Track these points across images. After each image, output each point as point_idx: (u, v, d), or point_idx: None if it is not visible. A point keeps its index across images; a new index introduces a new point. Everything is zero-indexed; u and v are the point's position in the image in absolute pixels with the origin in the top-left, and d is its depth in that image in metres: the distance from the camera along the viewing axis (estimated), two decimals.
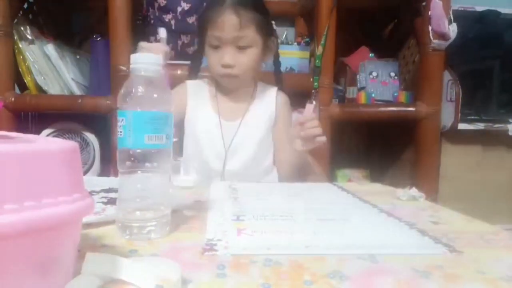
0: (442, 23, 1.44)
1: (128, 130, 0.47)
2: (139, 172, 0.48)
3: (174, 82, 1.08)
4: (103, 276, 0.32)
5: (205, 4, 1.06)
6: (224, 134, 1.02)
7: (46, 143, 0.32)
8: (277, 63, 1.12)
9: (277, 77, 1.14)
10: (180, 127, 1.04)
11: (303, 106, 1.47)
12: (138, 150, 0.47)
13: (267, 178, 1.06)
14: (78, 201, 0.30)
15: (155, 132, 0.47)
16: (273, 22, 1.04)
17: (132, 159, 0.47)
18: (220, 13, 0.93)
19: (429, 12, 1.47)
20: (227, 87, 1.04)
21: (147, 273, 0.32)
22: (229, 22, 0.92)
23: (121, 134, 0.48)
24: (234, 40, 0.94)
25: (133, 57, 0.49)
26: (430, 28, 1.47)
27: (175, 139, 0.61)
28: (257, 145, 1.03)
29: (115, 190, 0.66)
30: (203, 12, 1.02)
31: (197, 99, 1.06)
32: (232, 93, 1.06)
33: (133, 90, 0.48)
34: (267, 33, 1.00)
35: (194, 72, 1.13)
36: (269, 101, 1.08)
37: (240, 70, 0.97)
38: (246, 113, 1.04)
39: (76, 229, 0.32)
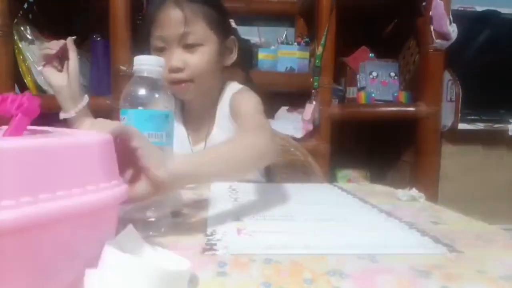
0: (444, 23, 1.44)
1: None
2: None
3: None
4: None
5: (151, 3, 0.91)
6: (193, 148, 0.90)
7: (86, 136, 0.34)
8: (243, 59, 0.96)
9: (246, 73, 0.99)
10: None
11: (303, 106, 1.47)
12: None
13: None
14: (116, 187, 0.33)
15: (155, 130, 0.48)
16: (232, 21, 0.92)
17: None
18: (162, 10, 0.81)
19: (430, 12, 1.47)
20: (183, 100, 0.90)
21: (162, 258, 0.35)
22: (173, 18, 0.79)
23: None
24: (180, 38, 0.80)
25: (136, 59, 0.50)
26: (432, 28, 1.47)
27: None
28: None
29: None
30: (146, 14, 0.88)
31: None
32: (197, 107, 0.91)
33: (135, 90, 0.49)
34: (224, 32, 0.86)
35: None
36: (227, 106, 0.90)
37: (192, 73, 0.82)
38: (208, 136, 0.89)
39: (114, 213, 0.34)
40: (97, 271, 0.30)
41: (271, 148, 0.65)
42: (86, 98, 0.87)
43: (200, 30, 0.81)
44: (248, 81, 0.97)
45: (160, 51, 0.83)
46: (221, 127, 0.89)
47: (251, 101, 0.85)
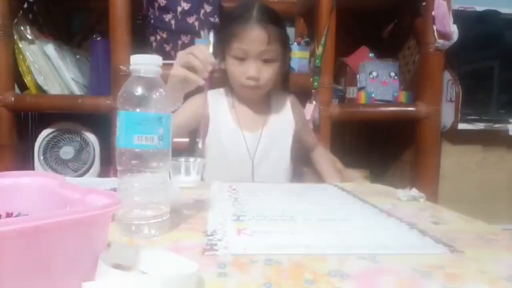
0: (446, 23, 1.43)
1: (120, 130, 0.48)
2: (135, 171, 0.48)
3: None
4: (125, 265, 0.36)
5: (231, 18, 1.05)
6: (248, 145, 1.04)
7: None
8: (289, 72, 1.17)
9: (285, 78, 1.17)
10: (200, 132, 1.07)
11: (303, 106, 1.47)
12: (129, 150, 0.48)
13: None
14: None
15: (145, 133, 0.47)
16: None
17: (124, 158, 0.48)
18: (248, 28, 0.95)
19: (433, 12, 1.47)
20: (248, 98, 1.06)
21: (166, 264, 0.35)
22: (258, 37, 0.95)
23: (117, 134, 0.49)
24: (260, 54, 0.96)
25: (133, 58, 0.49)
26: (434, 28, 1.46)
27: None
28: (280, 153, 1.06)
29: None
30: (229, 26, 1.01)
31: (218, 110, 1.06)
32: (250, 104, 1.07)
33: (128, 90, 0.48)
34: (288, 48, 1.05)
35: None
36: (285, 108, 1.11)
37: (264, 83, 1.00)
38: (265, 124, 1.07)
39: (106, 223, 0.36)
40: (93, 284, 0.31)
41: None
42: None
43: (277, 49, 0.98)
44: (287, 89, 1.17)
45: (240, 60, 0.99)
46: (276, 117, 1.08)
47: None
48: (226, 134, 1.04)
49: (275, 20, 0.98)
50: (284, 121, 1.09)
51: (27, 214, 0.43)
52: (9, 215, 0.43)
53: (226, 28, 1.03)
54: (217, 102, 1.07)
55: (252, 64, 0.97)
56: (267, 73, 0.99)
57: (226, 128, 1.04)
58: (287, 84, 1.18)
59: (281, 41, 0.99)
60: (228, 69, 1.02)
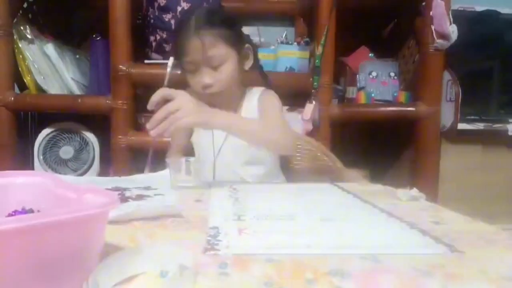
0: (444, 23, 1.44)
1: None
2: None
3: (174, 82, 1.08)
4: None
5: (176, 31, 1.04)
6: (215, 143, 1.03)
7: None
8: (258, 65, 1.11)
9: (263, 76, 1.13)
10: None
11: (303, 106, 1.47)
12: None
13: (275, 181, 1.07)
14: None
15: None
16: (242, 29, 1.05)
17: None
18: (186, 39, 0.94)
19: (431, 12, 1.47)
20: (211, 102, 1.04)
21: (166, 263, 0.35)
22: (196, 48, 0.93)
23: None
24: (206, 61, 0.95)
25: None
26: (433, 28, 1.46)
27: None
28: (247, 152, 1.02)
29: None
30: (174, 41, 1.00)
31: None
32: (219, 104, 1.02)
33: None
34: (239, 44, 1.00)
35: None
36: (254, 105, 1.06)
37: (220, 87, 0.98)
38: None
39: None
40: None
41: (285, 142, 0.96)
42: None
43: (220, 51, 0.95)
44: (266, 84, 1.11)
45: (192, 73, 0.98)
46: (247, 117, 1.03)
47: (274, 103, 1.05)
48: (196, 134, 1.06)
49: (211, 24, 0.95)
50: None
51: (26, 213, 0.43)
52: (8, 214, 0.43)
53: (174, 44, 1.04)
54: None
55: (203, 72, 0.96)
56: (220, 77, 0.97)
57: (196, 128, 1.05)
58: (265, 79, 1.13)
59: (226, 41, 0.96)
60: (187, 80, 1.01)
